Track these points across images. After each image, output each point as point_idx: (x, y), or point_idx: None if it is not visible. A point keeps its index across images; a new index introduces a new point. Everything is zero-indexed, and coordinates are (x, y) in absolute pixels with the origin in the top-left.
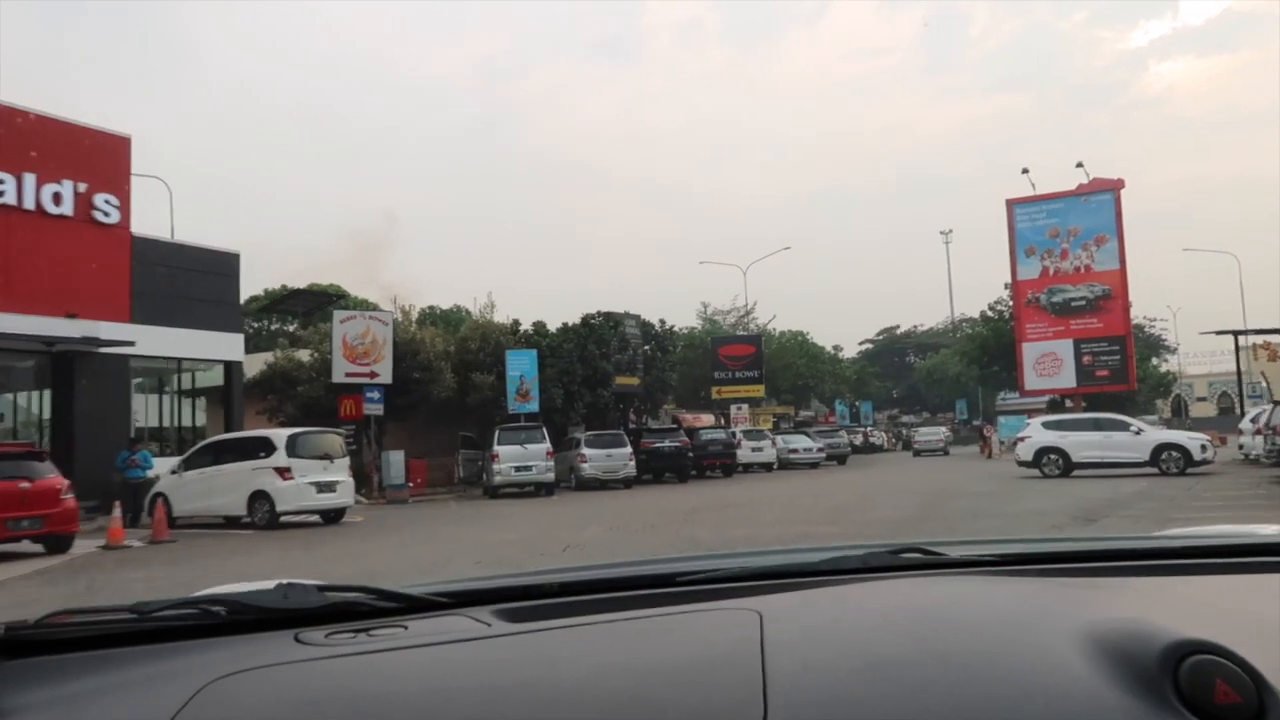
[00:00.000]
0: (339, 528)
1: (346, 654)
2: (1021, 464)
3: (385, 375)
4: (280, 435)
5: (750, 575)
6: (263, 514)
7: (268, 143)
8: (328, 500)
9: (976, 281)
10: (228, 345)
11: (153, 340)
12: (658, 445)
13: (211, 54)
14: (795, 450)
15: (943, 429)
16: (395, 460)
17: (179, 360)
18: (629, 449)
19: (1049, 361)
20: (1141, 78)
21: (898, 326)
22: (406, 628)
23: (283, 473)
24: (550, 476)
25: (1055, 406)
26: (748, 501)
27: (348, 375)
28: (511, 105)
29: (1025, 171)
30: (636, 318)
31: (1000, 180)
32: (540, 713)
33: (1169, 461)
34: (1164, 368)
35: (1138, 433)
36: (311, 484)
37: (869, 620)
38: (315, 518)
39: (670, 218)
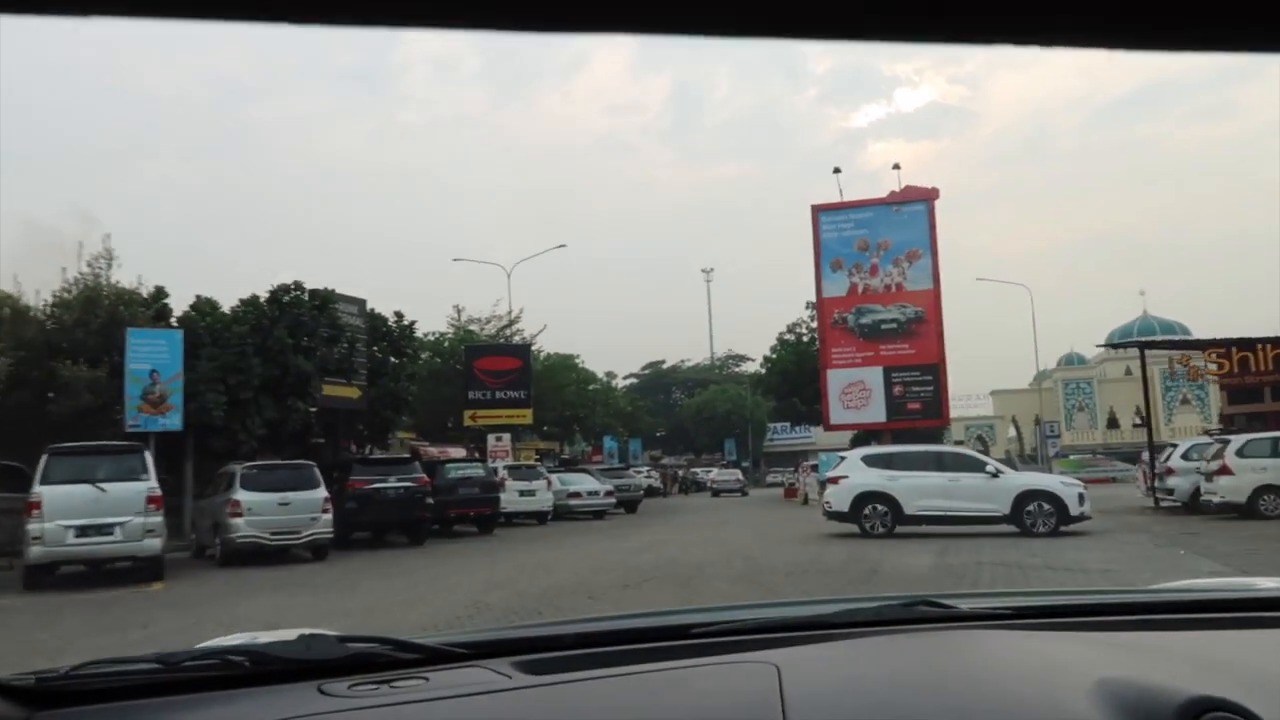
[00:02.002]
0: None
1: (370, 705)
2: (832, 515)
3: None
4: None
5: (765, 627)
6: None
7: None
8: None
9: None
10: None
11: None
12: (377, 486)
13: None
14: (578, 494)
15: (736, 471)
16: None
17: None
18: (322, 492)
19: (857, 391)
20: (862, 155)
21: (663, 361)
22: (428, 679)
23: None
24: (154, 545)
25: (860, 443)
26: (553, 592)
27: None
28: (249, 127)
29: (837, 171)
30: (360, 303)
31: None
32: None
33: (1037, 516)
34: None
35: (995, 474)
36: None
37: (888, 675)
38: None
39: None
